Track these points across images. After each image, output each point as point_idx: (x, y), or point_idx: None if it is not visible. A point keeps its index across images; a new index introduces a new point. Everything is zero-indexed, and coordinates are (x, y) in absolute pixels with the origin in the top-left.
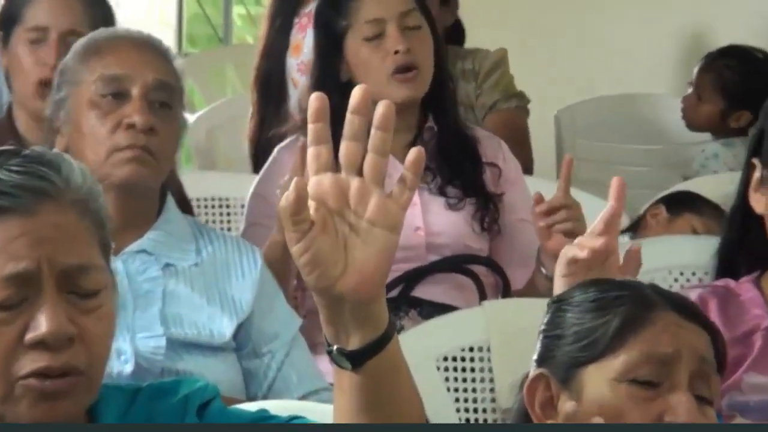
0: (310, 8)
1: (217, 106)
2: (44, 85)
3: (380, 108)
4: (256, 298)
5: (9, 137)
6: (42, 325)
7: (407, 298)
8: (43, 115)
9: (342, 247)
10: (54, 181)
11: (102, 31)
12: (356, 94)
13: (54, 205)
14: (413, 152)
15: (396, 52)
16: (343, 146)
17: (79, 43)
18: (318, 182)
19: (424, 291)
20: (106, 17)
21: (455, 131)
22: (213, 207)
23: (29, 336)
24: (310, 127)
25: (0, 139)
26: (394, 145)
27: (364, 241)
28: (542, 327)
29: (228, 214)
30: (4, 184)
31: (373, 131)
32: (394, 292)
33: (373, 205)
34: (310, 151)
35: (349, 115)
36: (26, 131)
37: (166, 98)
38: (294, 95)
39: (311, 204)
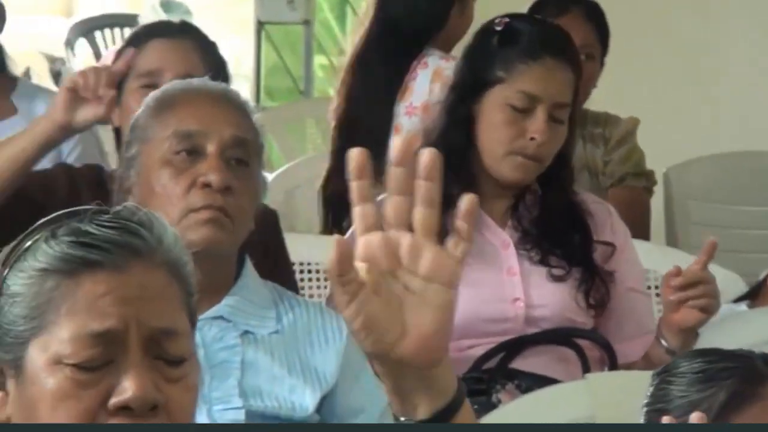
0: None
1: (297, 164)
2: None
3: (425, 157)
4: (341, 369)
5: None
6: (127, 389)
7: (505, 370)
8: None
9: (397, 308)
10: (146, 239)
11: (176, 84)
12: (398, 145)
13: (144, 263)
14: (466, 200)
15: (532, 138)
16: (389, 202)
17: (151, 97)
18: (366, 242)
19: (523, 363)
20: (219, 64)
21: (563, 197)
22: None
23: (113, 400)
24: (353, 184)
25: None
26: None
27: (420, 301)
28: (646, 400)
29: (310, 279)
30: (95, 237)
31: (418, 182)
32: (491, 363)
33: (426, 260)
34: (356, 211)
35: (393, 169)
36: None
37: (244, 155)
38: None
39: (362, 265)
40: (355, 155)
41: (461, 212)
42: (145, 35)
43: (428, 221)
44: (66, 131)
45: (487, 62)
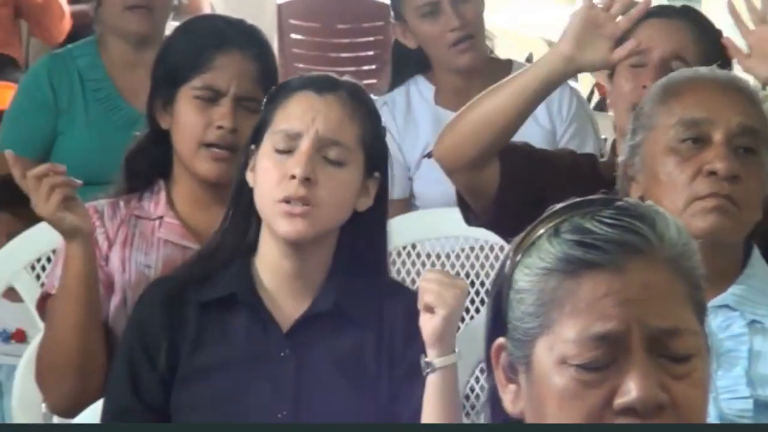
0: None
1: None
2: None
3: None
4: None
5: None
6: (631, 390)
7: None
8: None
9: None
10: (647, 237)
11: (683, 72)
12: None
13: (645, 262)
14: None
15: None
16: None
17: (657, 84)
18: None
19: None
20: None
21: None
22: None
23: (618, 401)
24: None
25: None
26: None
27: None
28: None
29: None
30: (596, 237)
31: None
32: None
33: None
34: None
35: None
36: None
37: (752, 144)
38: None
39: None
40: None
41: None
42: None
43: None
44: (571, 65)
45: None
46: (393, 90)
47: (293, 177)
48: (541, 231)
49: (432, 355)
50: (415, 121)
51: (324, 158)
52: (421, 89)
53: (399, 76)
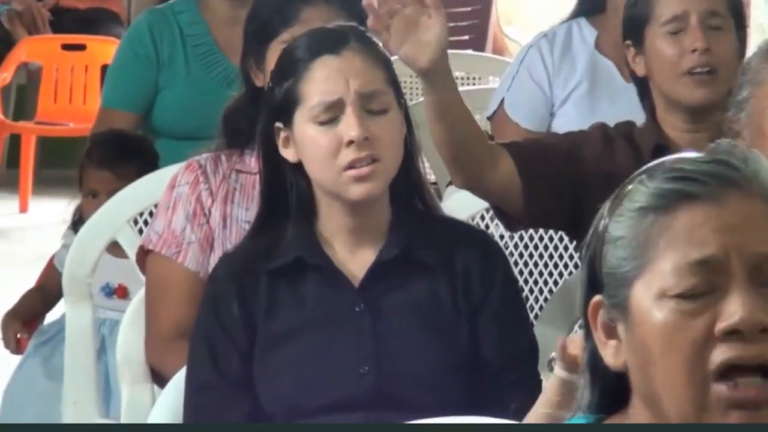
0: None
1: None
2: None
3: None
4: None
5: None
6: (734, 313)
7: None
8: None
9: None
10: (741, 170)
11: None
12: None
13: (740, 194)
14: None
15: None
16: None
17: (765, 41)
18: None
19: None
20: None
21: None
22: None
23: (720, 326)
24: None
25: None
26: None
27: None
28: None
29: None
30: (690, 171)
31: None
32: None
33: None
34: None
35: None
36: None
37: None
38: None
39: None
40: None
41: None
42: None
43: None
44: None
45: None
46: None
47: (351, 142)
48: (632, 183)
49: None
50: (572, 59)
51: (368, 112)
52: (583, 31)
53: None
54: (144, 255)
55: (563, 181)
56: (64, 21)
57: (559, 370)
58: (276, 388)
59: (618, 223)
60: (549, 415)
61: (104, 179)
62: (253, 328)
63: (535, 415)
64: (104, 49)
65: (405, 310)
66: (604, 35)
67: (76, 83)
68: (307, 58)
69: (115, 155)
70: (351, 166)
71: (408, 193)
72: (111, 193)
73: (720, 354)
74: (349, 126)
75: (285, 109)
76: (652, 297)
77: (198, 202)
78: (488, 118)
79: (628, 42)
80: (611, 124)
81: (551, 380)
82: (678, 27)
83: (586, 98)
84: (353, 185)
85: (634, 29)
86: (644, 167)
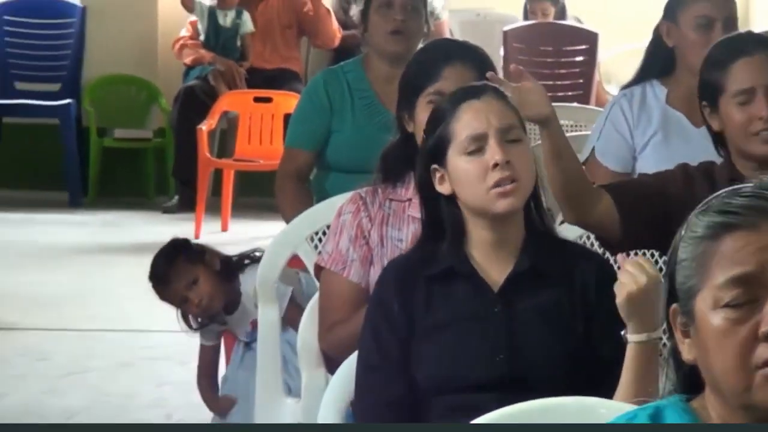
0: None
1: None
2: None
3: None
4: None
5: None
6: None
7: None
8: None
9: None
10: None
11: None
12: None
13: None
14: None
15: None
16: None
17: None
18: None
19: None
20: None
21: None
22: None
23: (764, 329)
24: None
25: None
26: None
27: None
28: None
29: None
30: (733, 206)
31: None
32: None
33: None
34: None
35: None
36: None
37: None
38: None
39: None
40: None
41: None
42: None
43: None
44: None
45: None
46: (632, 86)
47: (495, 165)
48: (693, 217)
49: (627, 329)
50: (648, 113)
51: (507, 141)
52: (655, 90)
53: (643, 74)
54: (318, 270)
55: (653, 213)
56: (256, 79)
57: (632, 336)
58: (430, 370)
59: (683, 249)
60: (634, 381)
61: (174, 291)
62: (412, 321)
63: (623, 381)
64: (287, 101)
65: (533, 312)
66: (673, 92)
67: (265, 128)
68: (454, 105)
69: (166, 273)
70: (497, 184)
71: (537, 215)
72: (190, 285)
73: (764, 351)
74: (494, 152)
75: (439, 150)
76: (708, 307)
77: (359, 228)
78: (582, 164)
79: (704, 103)
80: (690, 162)
81: (628, 349)
82: (746, 99)
83: (663, 144)
84: (499, 200)
85: (710, 95)
86: (704, 201)
